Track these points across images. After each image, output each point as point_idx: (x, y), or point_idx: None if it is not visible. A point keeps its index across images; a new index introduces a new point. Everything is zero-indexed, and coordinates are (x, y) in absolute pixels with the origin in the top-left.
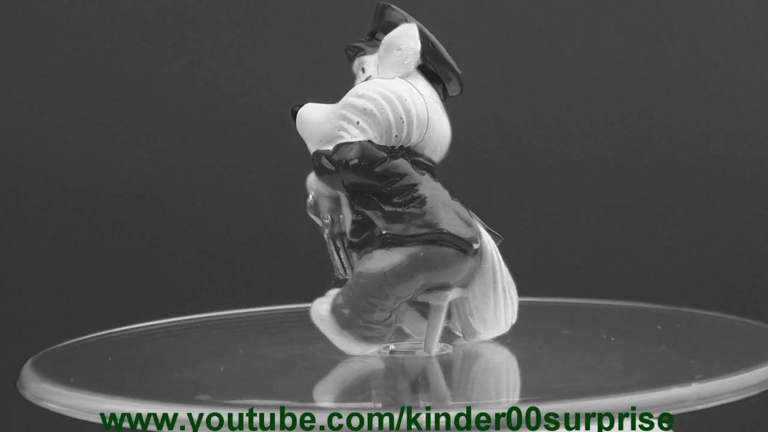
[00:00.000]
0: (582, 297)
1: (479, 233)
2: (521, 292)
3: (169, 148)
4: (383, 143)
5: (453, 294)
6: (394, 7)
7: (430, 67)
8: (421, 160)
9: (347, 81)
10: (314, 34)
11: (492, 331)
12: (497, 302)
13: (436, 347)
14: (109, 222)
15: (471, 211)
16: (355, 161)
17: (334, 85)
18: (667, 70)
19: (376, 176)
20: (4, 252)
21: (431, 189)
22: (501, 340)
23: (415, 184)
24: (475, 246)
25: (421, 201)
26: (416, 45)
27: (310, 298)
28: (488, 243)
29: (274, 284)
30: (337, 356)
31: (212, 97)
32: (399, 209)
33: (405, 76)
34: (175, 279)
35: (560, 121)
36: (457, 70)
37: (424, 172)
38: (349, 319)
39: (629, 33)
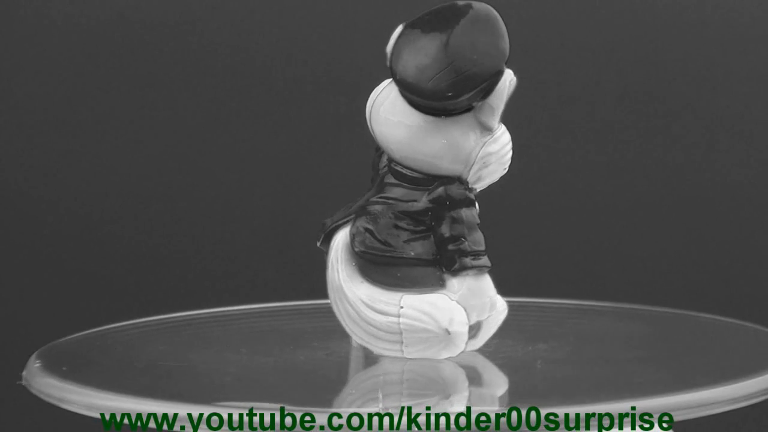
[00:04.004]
0: (583, 299)
1: (323, 237)
2: (521, 293)
3: (169, 147)
4: None
5: None
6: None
7: None
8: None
9: (347, 81)
10: (314, 25)
11: (368, 345)
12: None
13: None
14: (114, 218)
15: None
16: None
17: (333, 82)
18: (665, 71)
19: None
20: (8, 249)
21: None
22: (500, 339)
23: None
24: (317, 243)
25: None
26: (387, 47)
27: (311, 296)
28: (332, 249)
29: (275, 281)
30: (338, 354)
31: (213, 97)
32: None
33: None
34: (177, 276)
35: (562, 122)
36: (394, 72)
37: (383, 176)
38: None
39: (630, 33)
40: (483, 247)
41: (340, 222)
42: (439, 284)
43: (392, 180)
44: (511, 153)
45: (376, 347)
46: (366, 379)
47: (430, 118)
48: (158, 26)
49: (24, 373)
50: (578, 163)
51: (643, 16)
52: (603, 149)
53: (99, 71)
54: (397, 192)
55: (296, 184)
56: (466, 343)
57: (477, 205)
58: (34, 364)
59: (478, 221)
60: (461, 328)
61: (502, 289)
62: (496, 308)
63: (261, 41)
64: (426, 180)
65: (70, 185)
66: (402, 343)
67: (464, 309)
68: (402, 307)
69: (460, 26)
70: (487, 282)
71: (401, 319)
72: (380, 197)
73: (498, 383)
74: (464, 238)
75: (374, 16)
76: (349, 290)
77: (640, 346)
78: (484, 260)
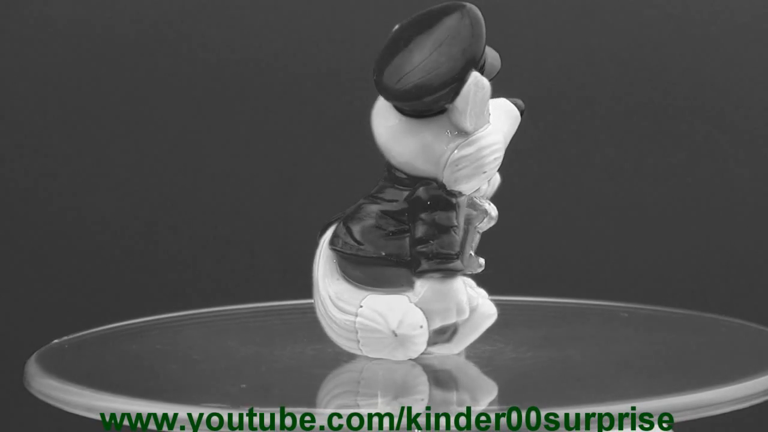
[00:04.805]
0: (583, 298)
1: (319, 233)
2: (521, 293)
3: (169, 147)
4: None
5: None
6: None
7: None
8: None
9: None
10: (318, 28)
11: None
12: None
13: None
14: (114, 218)
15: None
16: None
17: (333, 82)
18: (666, 72)
19: None
20: (8, 249)
21: None
22: (493, 340)
23: None
24: (317, 238)
25: None
26: None
27: (310, 295)
28: (319, 245)
29: (275, 281)
30: (336, 354)
31: (213, 98)
32: None
33: None
34: (177, 276)
35: (562, 122)
36: (373, 73)
37: (384, 176)
38: None
39: (631, 35)
40: (453, 251)
41: (333, 219)
42: (408, 285)
43: (388, 181)
44: (495, 156)
45: (341, 344)
46: (335, 377)
47: (405, 119)
48: (158, 26)
49: (23, 373)
50: (578, 163)
51: (644, 17)
52: (603, 150)
53: (99, 72)
54: (387, 192)
55: (296, 184)
56: (439, 347)
57: (493, 210)
58: (33, 364)
59: (455, 224)
60: (411, 330)
61: (502, 289)
62: (474, 312)
63: (261, 41)
64: (411, 181)
65: (70, 185)
66: (358, 342)
67: (424, 312)
68: (361, 306)
69: (439, 27)
70: (454, 286)
71: (357, 318)
72: (373, 196)
73: (471, 386)
74: (432, 240)
75: (375, 17)
76: (322, 286)
77: (641, 346)
78: (454, 264)
